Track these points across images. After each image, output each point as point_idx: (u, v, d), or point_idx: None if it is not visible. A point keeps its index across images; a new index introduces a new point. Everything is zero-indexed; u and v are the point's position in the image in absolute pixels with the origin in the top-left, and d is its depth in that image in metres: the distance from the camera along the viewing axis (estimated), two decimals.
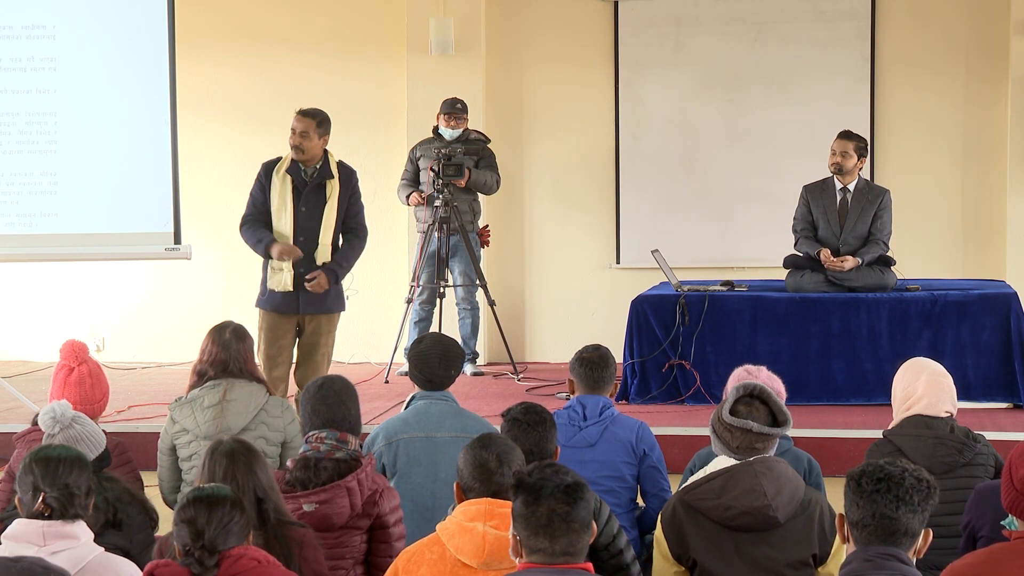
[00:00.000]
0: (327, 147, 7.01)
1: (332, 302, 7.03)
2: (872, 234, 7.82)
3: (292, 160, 6.93)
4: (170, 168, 7.68)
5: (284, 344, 6.94)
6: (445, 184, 8.47)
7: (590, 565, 3.11)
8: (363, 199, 7.21)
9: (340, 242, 7.05)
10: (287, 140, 6.95)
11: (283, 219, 6.90)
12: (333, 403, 4.25)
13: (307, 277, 6.89)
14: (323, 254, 6.95)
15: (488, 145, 8.95)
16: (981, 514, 3.83)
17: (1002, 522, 3.35)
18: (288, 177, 6.90)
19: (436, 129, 8.89)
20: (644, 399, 7.69)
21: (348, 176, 7.04)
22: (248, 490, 3.61)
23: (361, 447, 4.29)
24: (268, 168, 6.99)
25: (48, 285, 10.13)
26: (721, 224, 9.65)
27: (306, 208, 6.91)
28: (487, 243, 8.99)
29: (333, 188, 6.94)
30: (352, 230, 7.08)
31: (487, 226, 9.01)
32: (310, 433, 4.20)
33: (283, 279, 6.87)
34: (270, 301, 6.95)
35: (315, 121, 6.94)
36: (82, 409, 4.67)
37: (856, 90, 9.49)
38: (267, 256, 6.91)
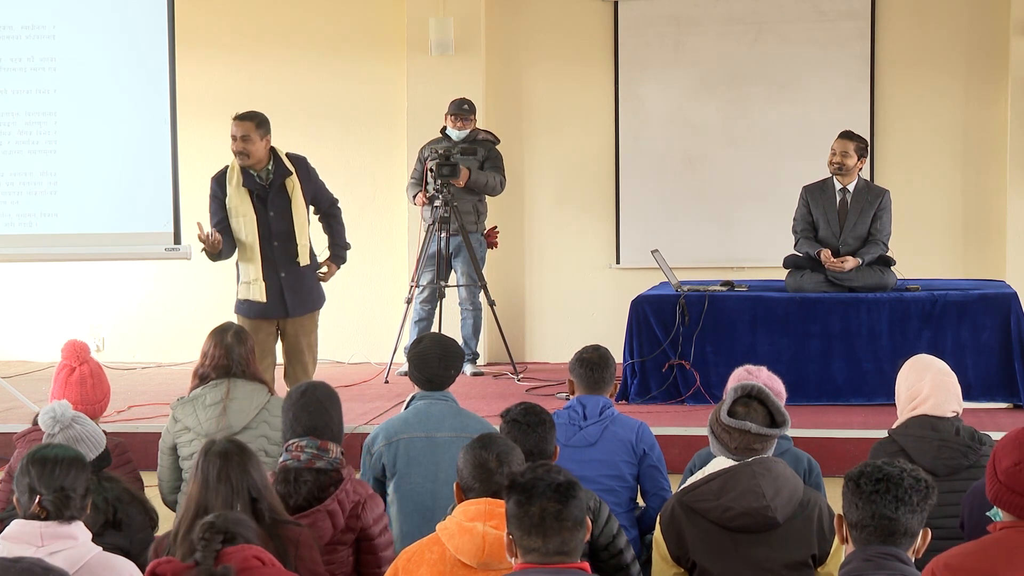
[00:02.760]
0: (272, 144, 6.93)
1: (317, 298, 7.04)
2: (872, 234, 7.82)
3: (241, 168, 6.86)
4: (170, 168, 7.68)
5: (267, 347, 6.89)
6: (444, 184, 8.47)
7: (586, 565, 3.11)
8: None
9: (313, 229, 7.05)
10: (264, 144, 6.86)
11: (249, 228, 6.82)
12: (315, 411, 4.21)
13: (320, 273, 6.96)
14: (303, 255, 6.91)
15: (496, 146, 8.94)
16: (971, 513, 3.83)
17: (987, 513, 3.37)
18: (244, 187, 6.83)
19: (444, 129, 8.89)
20: (644, 399, 7.69)
21: (303, 166, 6.99)
22: (243, 490, 3.60)
23: (343, 455, 4.22)
24: (220, 180, 6.90)
25: (48, 285, 10.13)
26: (721, 224, 9.65)
27: (275, 212, 6.86)
28: (495, 244, 8.97)
29: (294, 185, 6.87)
30: (327, 211, 7.10)
31: (495, 227, 8.98)
32: (290, 441, 4.15)
33: (256, 289, 6.83)
34: (253, 309, 6.89)
35: (254, 123, 6.85)
36: (83, 409, 4.67)
37: (856, 90, 9.49)
38: (214, 257, 6.85)
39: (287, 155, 6.96)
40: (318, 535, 3.98)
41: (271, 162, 6.89)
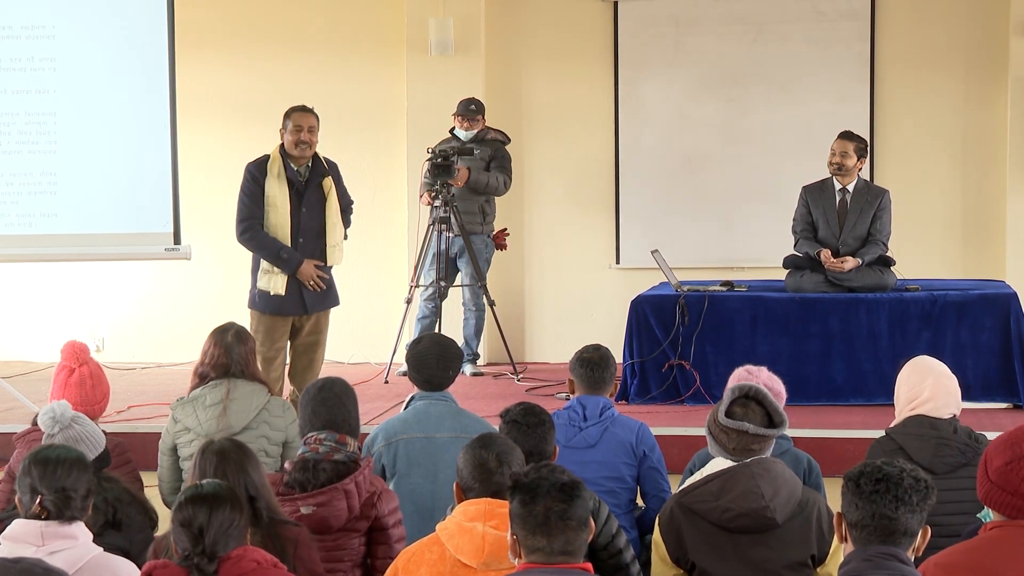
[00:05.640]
0: None
1: (334, 297, 7.11)
2: (871, 235, 7.82)
3: (282, 161, 6.91)
4: (170, 168, 7.68)
5: (280, 346, 6.95)
6: (442, 184, 8.47)
7: (589, 565, 3.12)
8: (362, 199, 7.30)
9: None
10: (279, 140, 6.97)
11: (282, 220, 6.89)
12: (333, 405, 4.24)
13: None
14: (332, 255, 6.98)
15: (507, 145, 8.94)
16: None
17: (978, 515, 3.38)
18: (285, 178, 6.90)
19: (453, 129, 8.89)
20: (644, 399, 7.69)
21: (335, 170, 7.14)
22: (240, 489, 3.60)
23: (360, 449, 4.29)
24: (260, 167, 6.97)
25: (48, 285, 10.13)
26: (721, 224, 9.65)
27: (307, 209, 6.94)
28: (503, 246, 8.95)
29: (330, 186, 6.99)
30: (344, 210, 7.17)
31: (504, 229, 8.96)
32: (308, 435, 4.19)
33: (277, 281, 6.87)
34: (271, 304, 6.93)
35: (316, 118, 7.02)
36: (82, 410, 4.67)
37: (856, 90, 9.49)
38: (291, 274, 6.89)
39: (324, 158, 7.10)
40: (332, 514, 4.00)
41: (310, 160, 6.99)
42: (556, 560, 3.05)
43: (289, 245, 6.91)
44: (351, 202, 7.26)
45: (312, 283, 6.91)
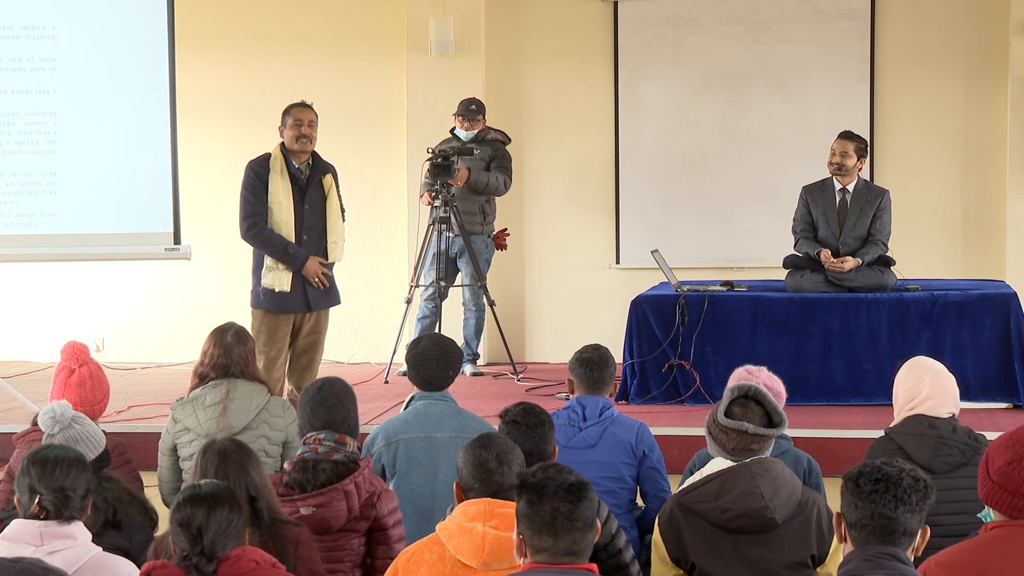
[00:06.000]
0: None
1: (336, 295, 7.13)
2: (871, 235, 7.82)
3: (283, 158, 6.93)
4: (170, 168, 7.68)
5: (282, 345, 6.96)
6: (442, 184, 8.47)
7: (594, 566, 3.11)
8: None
9: None
10: (279, 139, 6.98)
11: (286, 217, 6.90)
12: (332, 405, 4.24)
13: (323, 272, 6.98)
14: (334, 252, 7.00)
15: (507, 145, 8.94)
16: None
17: (978, 514, 3.38)
18: (288, 175, 6.92)
19: (453, 129, 8.89)
20: (644, 399, 7.69)
21: (334, 170, 7.15)
22: (240, 488, 3.60)
23: (360, 449, 4.29)
24: (263, 165, 6.98)
25: (48, 285, 10.13)
26: (721, 224, 9.65)
27: (309, 206, 6.95)
28: (503, 246, 8.95)
29: (331, 184, 7.00)
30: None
31: (505, 229, 8.96)
32: (308, 435, 4.19)
33: (282, 278, 6.87)
34: (275, 301, 6.92)
35: (315, 114, 7.03)
36: (82, 410, 4.67)
37: (856, 90, 9.49)
38: (297, 270, 6.90)
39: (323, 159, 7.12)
40: (332, 515, 4.00)
41: (311, 157, 7.01)
42: (561, 560, 3.05)
43: (294, 241, 6.92)
44: (343, 210, 7.26)
45: (316, 280, 6.93)
